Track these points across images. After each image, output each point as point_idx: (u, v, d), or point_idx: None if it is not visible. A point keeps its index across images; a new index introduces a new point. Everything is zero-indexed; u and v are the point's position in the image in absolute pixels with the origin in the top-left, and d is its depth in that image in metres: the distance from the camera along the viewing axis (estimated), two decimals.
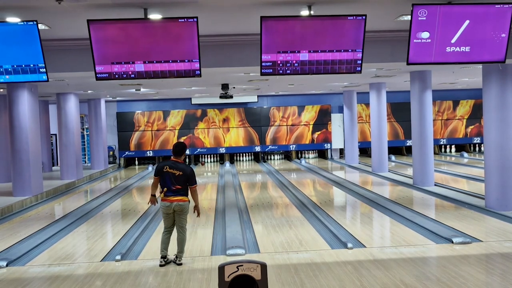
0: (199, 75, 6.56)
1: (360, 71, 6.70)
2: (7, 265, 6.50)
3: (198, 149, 21.37)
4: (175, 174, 6.18)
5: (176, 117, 21.28)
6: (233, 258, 6.28)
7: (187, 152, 21.32)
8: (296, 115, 21.65)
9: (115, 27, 6.26)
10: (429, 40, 6.32)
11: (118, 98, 20.14)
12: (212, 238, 7.74)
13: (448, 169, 15.99)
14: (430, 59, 6.44)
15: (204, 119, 21.37)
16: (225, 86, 13.83)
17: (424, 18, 6.15)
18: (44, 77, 6.56)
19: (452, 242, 6.88)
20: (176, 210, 6.21)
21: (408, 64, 6.48)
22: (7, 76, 6.53)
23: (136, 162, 21.98)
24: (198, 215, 6.35)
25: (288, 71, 6.55)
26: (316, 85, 16.91)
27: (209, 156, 21.98)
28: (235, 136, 21.49)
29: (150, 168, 19.83)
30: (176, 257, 6.30)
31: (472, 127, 22.18)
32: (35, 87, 12.38)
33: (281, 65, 6.50)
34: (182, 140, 21.26)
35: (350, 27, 6.40)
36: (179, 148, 6.32)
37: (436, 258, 6.39)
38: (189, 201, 6.30)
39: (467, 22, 6.27)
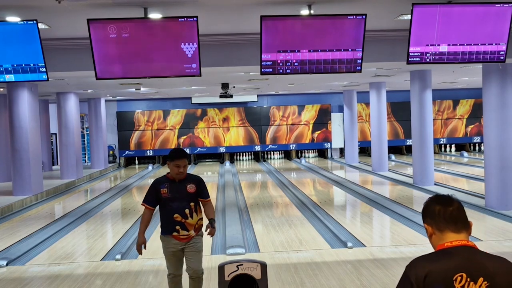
0: (199, 75, 6.55)
1: (360, 71, 6.70)
2: (7, 265, 6.51)
3: (198, 149, 21.37)
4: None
5: (176, 117, 21.29)
6: (233, 258, 6.28)
7: (187, 151, 21.30)
8: (296, 114, 21.65)
9: (116, 27, 6.26)
10: (429, 40, 6.33)
11: (118, 98, 20.14)
12: (212, 237, 7.74)
13: (448, 169, 15.99)
14: (430, 59, 6.44)
15: (204, 118, 21.37)
16: (225, 86, 13.83)
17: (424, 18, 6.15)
18: (44, 77, 6.56)
19: None
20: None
21: (408, 63, 6.49)
22: (7, 76, 6.52)
23: (136, 162, 21.98)
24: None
25: (288, 71, 6.55)
26: (316, 84, 16.90)
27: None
28: (235, 136, 21.49)
29: (150, 168, 19.84)
30: None
31: (472, 126, 22.18)
32: (35, 87, 12.38)
33: (281, 64, 6.49)
34: (182, 139, 21.27)
35: (350, 27, 6.40)
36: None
37: None
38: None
39: (467, 21, 6.26)
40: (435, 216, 2.14)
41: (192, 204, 4.32)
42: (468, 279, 1.92)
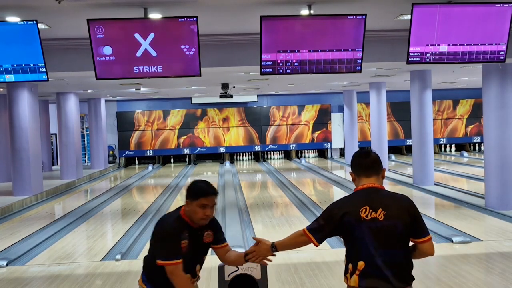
0: (199, 75, 6.55)
1: (360, 71, 6.70)
2: (7, 265, 6.50)
3: (198, 149, 21.37)
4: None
5: (176, 117, 21.28)
6: None
7: (187, 151, 21.32)
8: (296, 114, 21.64)
9: (116, 27, 6.26)
10: (429, 40, 6.33)
11: (118, 98, 20.13)
12: None
13: (448, 169, 15.99)
14: (430, 59, 6.44)
15: (204, 118, 21.36)
16: (225, 86, 13.83)
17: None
18: (44, 77, 6.56)
19: (452, 242, 6.88)
20: None
21: (408, 63, 6.49)
22: (7, 76, 6.52)
23: (136, 162, 21.96)
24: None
25: (288, 71, 6.55)
26: (316, 84, 16.90)
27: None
28: (235, 136, 21.49)
29: (150, 168, 19.82)
30: None
31: (472, 126, 22.18)
32: (35, 87, 12.38)
33: (281, 64, 6.49)
34: (182, 139, 21.25)
35: (350, 27, 6.40)
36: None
37: (436, 257, 6.36)
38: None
39: (467, 21, 6.27)
40: (355, 165, 2.84)
41: (203, 257, 3.11)
42: (370, 210, 2.67)
